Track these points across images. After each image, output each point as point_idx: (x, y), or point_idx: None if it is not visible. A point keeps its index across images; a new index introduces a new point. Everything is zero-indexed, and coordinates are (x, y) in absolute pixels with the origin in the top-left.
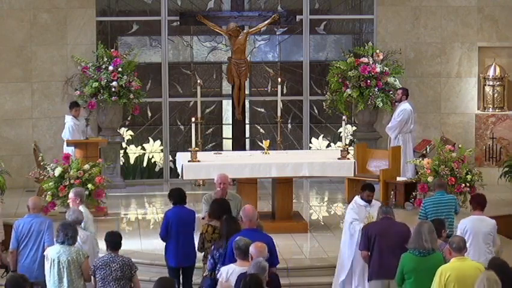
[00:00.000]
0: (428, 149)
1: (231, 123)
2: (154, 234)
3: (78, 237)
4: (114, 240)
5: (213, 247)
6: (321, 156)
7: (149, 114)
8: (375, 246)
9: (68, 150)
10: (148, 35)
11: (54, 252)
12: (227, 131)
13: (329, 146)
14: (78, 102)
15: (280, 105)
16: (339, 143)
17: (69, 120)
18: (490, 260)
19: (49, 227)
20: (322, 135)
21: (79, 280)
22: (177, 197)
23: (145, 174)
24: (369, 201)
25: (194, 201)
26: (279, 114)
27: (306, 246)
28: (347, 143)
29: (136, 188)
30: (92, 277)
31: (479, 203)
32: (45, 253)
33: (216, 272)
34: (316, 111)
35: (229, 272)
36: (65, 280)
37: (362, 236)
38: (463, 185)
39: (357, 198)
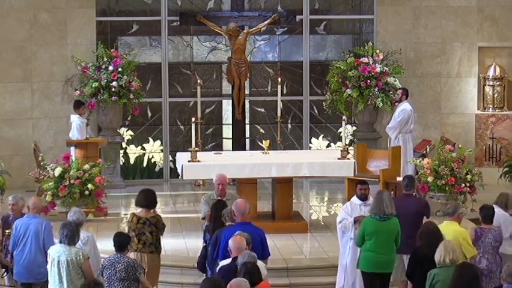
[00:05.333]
0: (428, 149)
1: (231, 123)
2: None
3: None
4: (120, 241)
5: (205, 228)
6: (321, 156)
7: (149, 114)
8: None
9: (73, 149)
10: (148, 35)
11: (55, 251)
12: (227, 131)
13: (329, 146)
14: (82, 101)
15: (280, 105)
16: (339, 143)
17: (75, 119)
18: (424, 224)
19: (46, 228)
20: (322, 135)
21: (79, 280)
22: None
23: (145, 174)
24: (364, 198)
25: (194, 201)
26: (279, 114)
27: (306, 246)
28: (347, 143)
29: (136, 188)
30: (99, 276)
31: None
32: (48, 252)
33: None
34: (316, 111)
35: None
36: (64, 280)
37: None
38: (463, 185)
39: (353, 198)
